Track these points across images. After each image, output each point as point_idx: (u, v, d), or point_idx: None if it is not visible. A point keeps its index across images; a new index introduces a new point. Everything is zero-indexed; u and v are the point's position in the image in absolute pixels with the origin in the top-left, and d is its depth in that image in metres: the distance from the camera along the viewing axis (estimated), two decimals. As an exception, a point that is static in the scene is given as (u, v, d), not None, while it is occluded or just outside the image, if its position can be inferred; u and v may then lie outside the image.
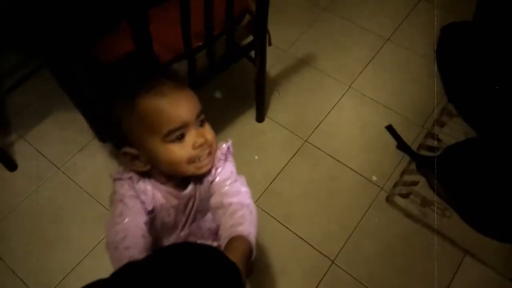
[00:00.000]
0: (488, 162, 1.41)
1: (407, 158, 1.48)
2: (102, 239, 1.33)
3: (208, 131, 0.77)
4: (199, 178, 0.81)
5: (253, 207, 0.76)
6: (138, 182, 0.77)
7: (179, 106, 0.72)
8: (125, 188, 0.76)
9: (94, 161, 1.50)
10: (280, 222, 1.37)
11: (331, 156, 1.51)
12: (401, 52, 1.78)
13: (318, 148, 1.53)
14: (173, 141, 0.72)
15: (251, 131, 1.57)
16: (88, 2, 1.12)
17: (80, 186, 1.45)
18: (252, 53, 1.37)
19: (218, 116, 1.59)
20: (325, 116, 1.60)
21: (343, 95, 1.66)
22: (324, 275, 1.28)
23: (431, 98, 1.63)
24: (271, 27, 1.31)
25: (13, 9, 1.17)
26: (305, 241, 1.34)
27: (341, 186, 1.45)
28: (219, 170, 0.80)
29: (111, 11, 1.13)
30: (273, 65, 1.72)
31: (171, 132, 0.71)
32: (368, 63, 1.75)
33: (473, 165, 1.42)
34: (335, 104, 1.64)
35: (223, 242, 0.69)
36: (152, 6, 0.93)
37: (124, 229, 0.72)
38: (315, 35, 1.83)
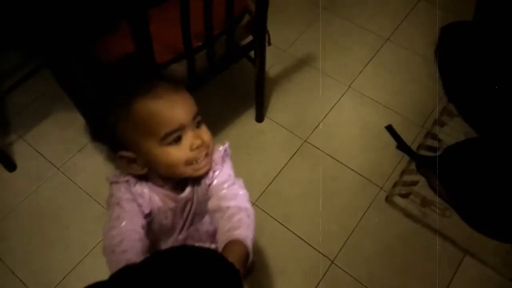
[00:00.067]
0: (488, 162, 1.41)
1: (406, 158, 1.48)
2: (102, 239, 1.33)
3: (204, 132, 0.76)
4: (196, 181, 0.81)
5: (250, 210, 0.76)
6: (135, 185, 0.77)
7: (175, 108, 0.71)
8: (122, 191, 0.76)
9: (94, 161, 1.50)
10: (279, 222, 1.37)
11: (330, 156, 1.51)
12: (401, 52, 1.78)
13: (318, 148, 1.53)
14: (170, 143, 0.71)
15: (250, 131, 1.57)
16: (88, 2, 1.12)
17: (79, 186, 1.45)
18: (252, 53, 1.37)
19: (217, 116, 1.59)
20: (325, 116, 1.60)
21: (343, 95, 1.66)
22: (324, 275, 1.28)
23: (431, 98, 1.63)
24: (271, 27, 1.31)
25: (13, 9, 1.17)
26: (305, 241, 1.34)
27: (341, 186, 1.45)
28: (216, 173, 0.80)
29: (111, 11, 1.13)
30: (273, 65, 1.72)
31: (167, 134, 0.71)
32: (368, 63, 1.75)
33: (473, 165, 1.42)
34: (335, 104, 1.64)
35: (220, 246, 0.69)
36: (152, 6, 0.93)
37: (121, 233, 0.71)
38: (315, 35, 1.83)
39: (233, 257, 0.64)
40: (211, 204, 0.78)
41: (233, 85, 1.67)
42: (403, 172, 1.45)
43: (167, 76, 0.79)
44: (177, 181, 0.79)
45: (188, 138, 0.73)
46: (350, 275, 1.28)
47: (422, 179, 1.43)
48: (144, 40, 0.98)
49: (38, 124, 1.59)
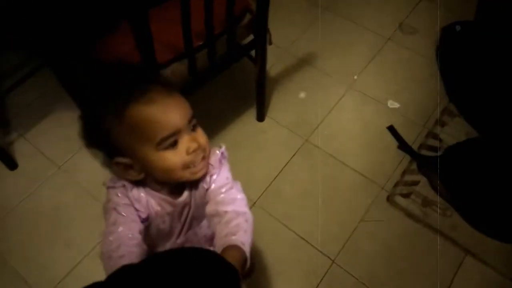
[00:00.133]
0: (489, 162, 1.41)
1: (408, 158, 1.48)
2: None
3: (200, 135, 0.75)
4: (194, 185, 0.80)
5: (249, 215, 0.75)
6: (131, 189, 0.76)
7: (170, 113, 0.70)
8: (118, 196, 0.75)
9: (95, 160, 1.49)
10: (280, 222, 1.37)
11: (331, 156, 1.51)
12: (402, 52, 1.78)
13: (319, 148, 1.53)
14: (166, 148, 0.70)
15: (251, 130, 1.57)
16: (89, 2, 1.12)
17: (80, 185, 1.45)
18: (253, 53, 1.37)
19: (218, 115, 1.59)
20: (326, 116, 1.60)
21: (344, 94, 1.66)
22: (325, 275, 1.28)
23: (432, 98, 1.63)
24: (272, 26, 1.31)
25: (13, 9, 1.17)
26: (306, 241, 1.34)
27: (342, 185, 1.44)
28: (214, 177, 0.79)
29: (111, 11, 1.13)
30: (274, 65, 1.72)
31: (163, 139, 0.69)
32: (369, 62, 1.75)
33: (474, 165, 1.41)
34: (336, 104, 1.63)
35: (217, 251, 0.68)
36: (152, 6, 0.92)
37: (118, 238, 0.71)
38: (316, 34, 1.83)
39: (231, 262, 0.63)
40: (209, 208, 0.78)
41: (234, 84, 1.67)
42: (404, 172, 1.44)
43: (161, 79, 0.78)
44: (174, 185, 0.79)
45: (184, 142, 0.72)
46: (351, 275, 1.28)
47: (423, 179, 1.43)
48: (145, 39, 0.98)
49: (39, 123, 1.60)
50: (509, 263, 1.28)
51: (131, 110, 0.69)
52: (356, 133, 1.57)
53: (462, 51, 1.66)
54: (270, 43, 1.36)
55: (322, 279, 1.27)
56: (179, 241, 0.87)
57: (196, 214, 0.85)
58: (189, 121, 0.72)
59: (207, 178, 0.79)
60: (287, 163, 1.49)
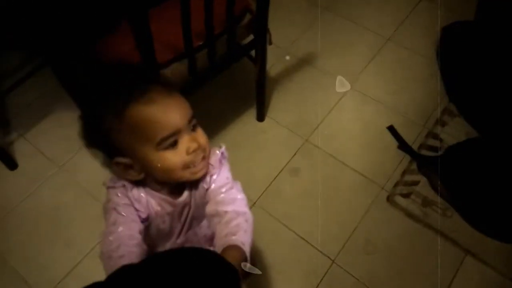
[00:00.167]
0: (489, 162, 1.41)
1: (408, 157, 1.48)
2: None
3: (200, 135, 0.75)
4: (194, 185, 0.80)
5: (249, 215, 0.75)
6: (131, 189, 0.76)
7: (170, 113, 0.70)
8: (118, 196, 0.75)
9: (95, 160, 1.49)
10: (280, 222, 1.37)
11: (331, 156, 1.51)
12: (402, 52, 1.77)
13: (319, 148, 1.52)
14: (166, 148, 0.70)
15: (251, 130, 1.57)
16: (89, 2, 1.12)
17: (80, 185, 1.45)
18: (253, 53, 1.37)
19: (218, 115, 1.59)
20: (326, 116, 1.60)
21: (344, 94, 1.66)
22: (325, 275, 1.28)
23: (433, 98, 1.63)
24: (272, 26, 1.31)
25: (13, 9, 1.17)
26: (306, 241, 1.34)
27: (342, 185, 1.44)
28: (214, 177, 0.79)
29: (112, 11, 1.13)
30: (274, 65, 1.72)
31: (164, 139, 0.69)
32: (369, 62, 1.75)
33: (475, 165, 1.41)
34: (336, 104, 1.63)
35: (217, 251, 0.69)
36: (152, 6, 0.92)
37: (118, 238, 0.71)
38: (316, 34, 1.83)
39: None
40: (209, 208, 0.78)
41: (234, 84, 1.67)
42: (404, 172, 1.44)
43: (161, 79, 0.77)
44: (174, 185, 0.79)
45: (184, 142, 0.72)
46: (351, 275, 1.28)
47: (423, 179, 1.43)
48: (145, 39, 0.98)
49: (39, 123, 1.60)
50: (509, 263, 1.28)
51: (131, 110, 0.68)
52: (356, 133, 1.57)
53: (462, 51, 1.66)
54: (270, 43, 1.36)
55: (322, 279, 1.27)
56: (179, 241, 0.87)
57: (196, 214, 0.85)
58: (189, 121, 0.72)
59: (207, 178, 0.79)
60: (287, 163, 1.49)
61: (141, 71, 0.77)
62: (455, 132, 1.51)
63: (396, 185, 1.42)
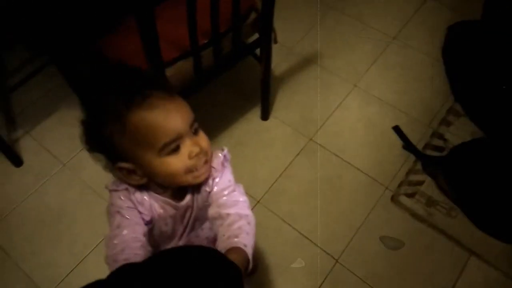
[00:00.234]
0: (494, 162, 1.40)
1: (412, 157, 1.48)
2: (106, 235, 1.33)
3: (202, 139, 0.74)
4: (196, 188, 0.80)
5: (251, 217, 0.75)
6: (134, 193, 0.76)
7: (171, 118, 0.69)
8: (121, 200, 0.75)
9: (100, 157, 1.50)
10: (284, 220, 1.37)
11: (336, 155, 1.50)
12: (407, 51, 1.77)
13: (323, 147, 1.52)
14: (168, 153, 0.70)
15: (256, 129, 1.57)
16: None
17: (85, 183, 1.46)
18: (258, 51, 1.37)
19: (223, 114, 1.59)
20: (330, 115, 1.60)
21: (349, 94, 1.65)
22: (328, 274, 1.28)
23: (438, 98, 1.62)
24: (277, 25, 1.31)
25: (13, 8, 1.16)
26: (309, 240, 1.34)
27: (346, 185, 1.44)
28: (216, 180, 0.79)
29: (118, 8, 1.13)
30: (279, 63, 1.72)
31: (166, 145, 0.69)
32: (374, 61, 1.74)
33: (480, 166, 1.41)
34: (340, 103, 1.63)
35: None
36: (158, 3, 0.93)
37: (122, 241, 0.71)
38: (321, 33, 1.82)
39: None
40: (211, 211, 0.78)
41: (239, 83, 1.67)
42: (409, 172, 1.44)
43: (162, 82, 0.76)
44: (176, 188, 0.78)
45: (187, 146, 0.71)
46: (355, 274, 1.27)
47: (428, 179, 1.42)
48: (151, 37, 0.98)
49: (44, 120, 1.60)
50: (513, 264, 1.28)
51: (133, 116, 0.68)
52: (360, 133, 1.56)
53: (467, 50, 1.66)
54: (275, 42, 1.36)
55: (325, 279, 1.27)
56: (181, 242, 0.87)
57: (199, 216, 0.85)
58: (191, 125, 0.72)
59: (210, 181, 0.79)
60: (291, 161, 1.49)
61: (143, 75, 0.76)
62: (460, 132, 1.51)
63: (400, 185, 1.42)
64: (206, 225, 0.89)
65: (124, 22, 1.18)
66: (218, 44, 1.18)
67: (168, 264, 0.56)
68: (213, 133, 1.52)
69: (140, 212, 0.76)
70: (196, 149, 0.72)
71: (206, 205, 0.81)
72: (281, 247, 1.32)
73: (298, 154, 1.51)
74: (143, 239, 0.73)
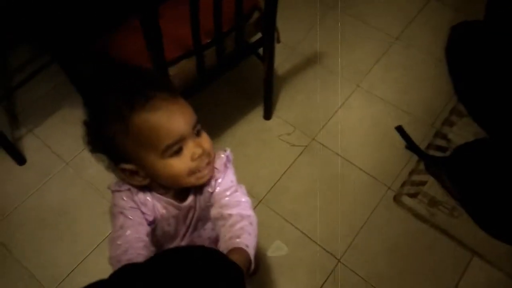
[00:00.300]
0: (497, 163, 1.40)
1: (415, 157, 1.47)
2: (109, 234, 1.33)
3: (205, 140, 0.74)
4: (199, 189, 0.80)
5: (253, 218, 0.75)
6: (137, 193, 0.76)
7: (174, 120, 0.69)
8: (124, 200, 0.75)
9: (102, 158, 1.50)
10: (286, 220, 1.37)
11: (338, 155, 1.50)
12: (410, 51, 1.77)
13: (326, 147, 1.52)
14: (171, 155, 0.70)
15: (258, 128, 1.57)
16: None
17: (88, 182, 1.46)
18: (261, 51, 1.37)
19: (226, 113, 1.59)
20: (333, 115, 1.60)
21: (351, 93, 1.65)
22: (330, 274, 1.28)
23: (441, 98, 1.62)
24: (280, 24, 1.31)
25: (14, 8, 1.16)
26: (311, 239, 1.34)
27: (348, 184, 1.44)
28: (219, 181, 0.79)
29: (121, 7, 1.14)
30: (281, 63, 1.72)
31: (168, 147, 0.69)
32: (377, 61, 1.74)
33: (483, 166, 1.40)
34: (343, 103, 1.63)
35: None
36: (162, 1, 0.93)
37: (126, 242, 0.71)
38: (324, 33, 1.82)
39: None
40: (214, 211, 0.78)
41: (241, 82, 1.67)
42: (411, 172, 1.44)
43: (165, 83, 0.76)
44: (179, 189, 0.78)
45: (189, 148, 0.71)
46: (357, 274, 1.27)
47: (430, 179, 1.42)
48: (154, 36, 0.98)
49: (47, 119, 1.61)
50: (516, 264, 1.27)
51: (136, 118, 0.68)
52: (363, 132, 1.56)
53: (470, 50, 1.65)
54: (278, 41, 1.36)
55: (327, 278, 1.27)
56: (183, 243, 0.87)
57: (201, 217, 0.85)
58: (193, 127, 0.72)
59: (212, 182, 0.79)
60: (294, 161, 1.49)
61: (146, 75, 0.76)
62: (463, 132, 1.51)
63: (403, 184, 1.42)
64: (209, 225, 0.89)
65: (127, 21, 1.19)
66: (221, 43, 1.18)
67: (170, 264, 0.56)
68: (215, 132, 1.52)
69: (143, 213, 0.76)
70: (198, 151, 0.72)
71: (208, 206, 0.81)
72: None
73: (300, 154, 1.51)
74: (146, 239, 0.73)
